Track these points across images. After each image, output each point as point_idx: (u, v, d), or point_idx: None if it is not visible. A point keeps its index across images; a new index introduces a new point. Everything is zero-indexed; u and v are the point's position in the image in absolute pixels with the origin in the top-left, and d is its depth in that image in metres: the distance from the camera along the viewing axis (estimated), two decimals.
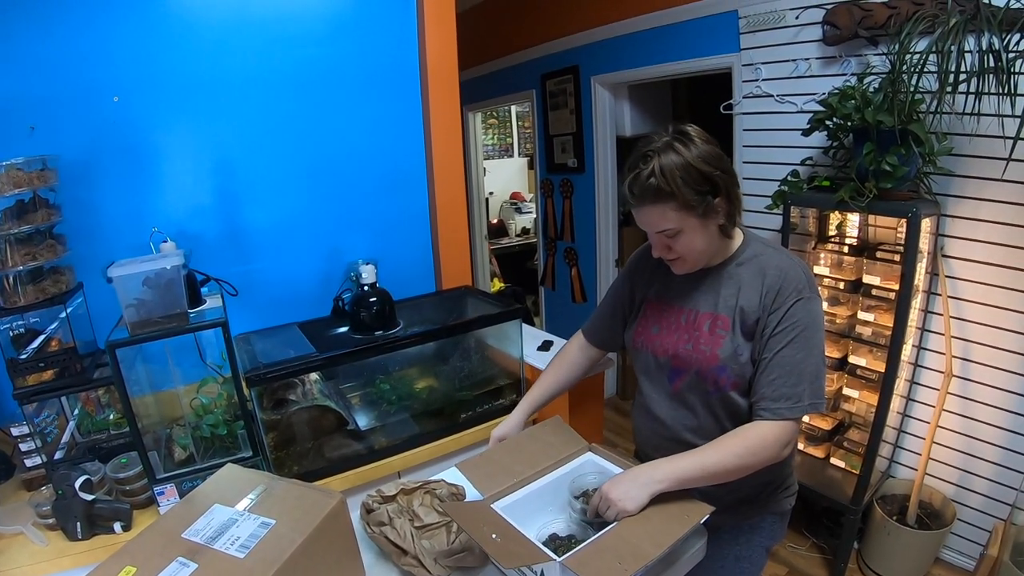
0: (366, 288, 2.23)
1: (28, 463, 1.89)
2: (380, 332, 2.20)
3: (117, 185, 2.15)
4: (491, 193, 6.66)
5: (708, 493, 1.34)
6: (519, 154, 7.56)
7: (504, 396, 2.53)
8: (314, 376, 2.15)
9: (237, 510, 1.26)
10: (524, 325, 2.52)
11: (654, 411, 1.52)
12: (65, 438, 2.01)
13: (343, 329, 2.29)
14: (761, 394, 1.31)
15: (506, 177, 7.19)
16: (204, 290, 2.09)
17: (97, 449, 1.98)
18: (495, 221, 6.65)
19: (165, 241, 2.00)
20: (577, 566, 1.13)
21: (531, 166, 6.70)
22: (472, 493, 1.52)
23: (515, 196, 7.01)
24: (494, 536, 1.21)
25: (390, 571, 1.45)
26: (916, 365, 2.66)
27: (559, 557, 1.16)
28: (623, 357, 4.48)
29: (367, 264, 2.24)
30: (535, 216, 5.38)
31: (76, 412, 2.07)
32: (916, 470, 2.62)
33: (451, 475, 1.68)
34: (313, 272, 2.53)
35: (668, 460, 1.31)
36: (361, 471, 2.12)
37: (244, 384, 1.87)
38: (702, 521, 1.27)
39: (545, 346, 2.73)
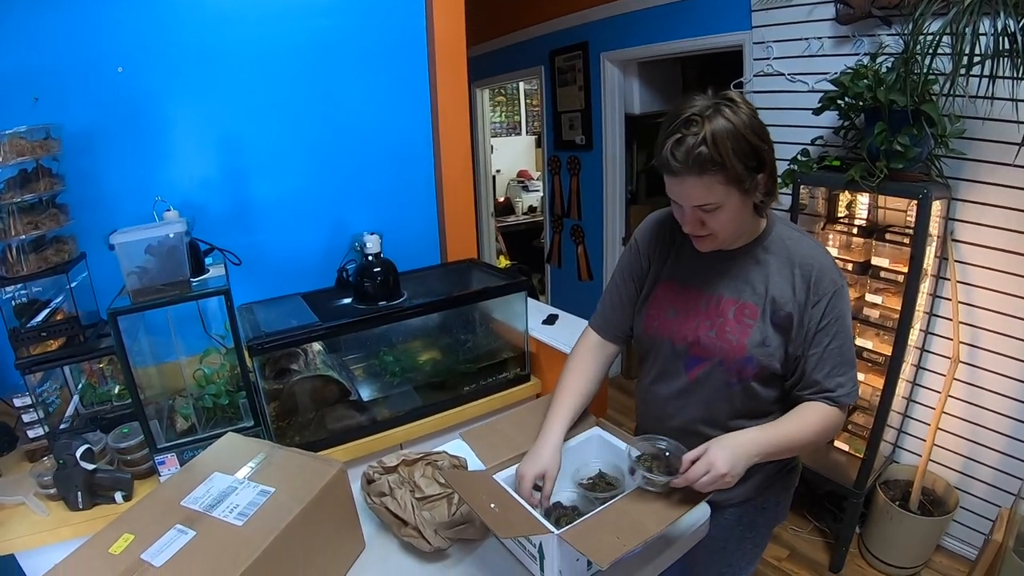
0: (370, 258, 2.19)
1: (31, 434, 1.88)
2: (384, 303, 2.17)
3: (121, 156, 2.11)
4: (498, 171, 6.58)
5: None
6: (527, 132, 7.47)
7: (508, 369, 2.50)
8: (317, 347, 2.13)
9: (236, 478, 1.25)
10: (529, 299, 2.48)
11: (663, 399, 1.45)
12: (69, 411, 2.00)
13: (347, 300, 2.25)
14: (818, 385, 1.27)
15: (513, 155, 7.10)
16: (209, 260, 2.06)
17: (99, 420, 1.96)
18: (502, 199, 6.58)
19: (168, 210, 1.96)
20: (575, 539, 1.10)
21: (539, 144, 6.63)
22: (475, 464, 1.50)
23: (522, 174, 6.93)
24: (492, 506, 1.19)
25: (391, 542, 1.43)
26: (923, 350, 2.63)
27: (557, 530, 1.14)
28: None
29: (372, 234, 2.20)
30: (542, 194, 5.33)
31: (80, 385, 2.05)
32: (920, 456, 2.59)
33: (454, 447, 1.66)
34: (318, 244, 2.49)
35: (756, 431, 1.25)
36: (363, 442, 2.10)
37: (246, 353, 1.84)
38: (706, 498, 1.24)
39: (550, 319, 2.68)
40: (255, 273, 2.33)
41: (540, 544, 1.20)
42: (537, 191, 6.52)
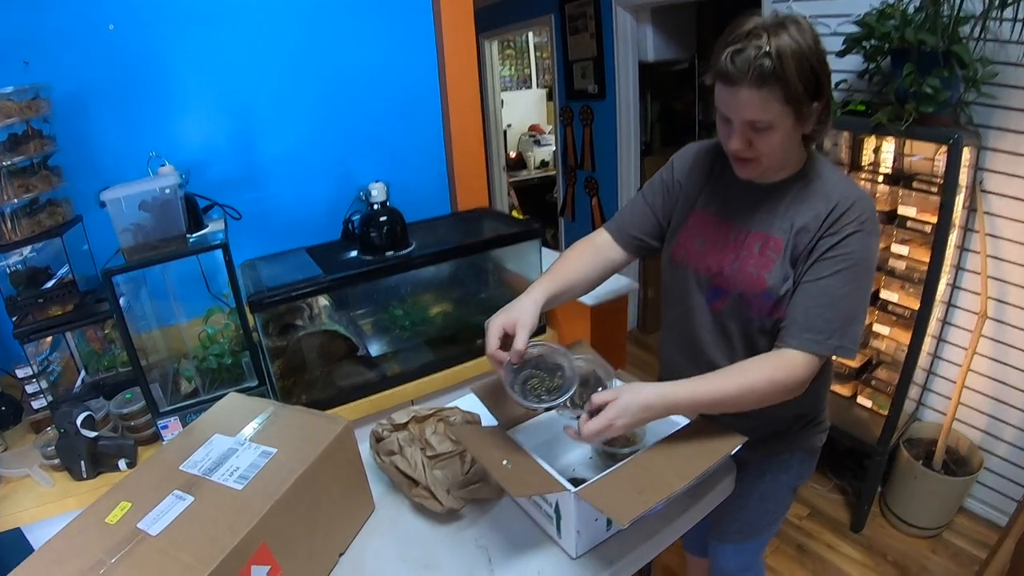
0: (376, 207, 2.08)
1: (35, 405, 1.84)
2: (391, 253, 2.06)
3: (117, 115, 2.01)
4: (509, 126, 6.41)
5: (734, 425, 1.21)
6: (537, 85, 7.27)
7: None
8: (323, 301, 2.04)
9: (238, 439, 1.18)
10: (543, 248, 2.38)
11: (690, 332, 1.37)
12: (79, 382, 1.94)
13: (353, 252, 2.15)
14: (792, 319, 1.16)
15: (524, 109, 6.90)
16: (215, 215, 1.99)
17: (102, 387, 1.91)
18: (513, 154, 6.42)
19: (163, 165, 1.88)
20: (593, 497, 1.02)
21: (550, 97, 6.42)
22: (488, 420, 1.42)
23: (533, 128, 6.74)
24: (505, 462, 1.11)
25: (401, 502, 1.36)
26: (949, 304, 2.51)
27: (574, 489, 1.06)
28: (644, 289, 4.36)
29: (377, 182, 2.09)
30: (554, 148, 5.20)
31: (85, 352, 1.99)
32: (944, 414, 2.50)
33: (466, 403, 1.57)
34: (324, 196, 2.39)
35: (672, 384, 1.15)
36: (372, 399, 2.03)
37: (248, 310, 1.76)
38: (732, 454, 1.15)
39: None
40: (259, 228, 2.25)
41: (556, 503, 1.13)
42: (549, 145, 6.37)
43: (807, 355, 1.14)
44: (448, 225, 2.54)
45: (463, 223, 2.58)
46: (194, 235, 1.79)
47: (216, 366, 1.86)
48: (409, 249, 2.11)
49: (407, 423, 1.46)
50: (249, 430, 1.21)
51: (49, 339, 1.87)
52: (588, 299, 2.20)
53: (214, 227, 1.88)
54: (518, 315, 1.20)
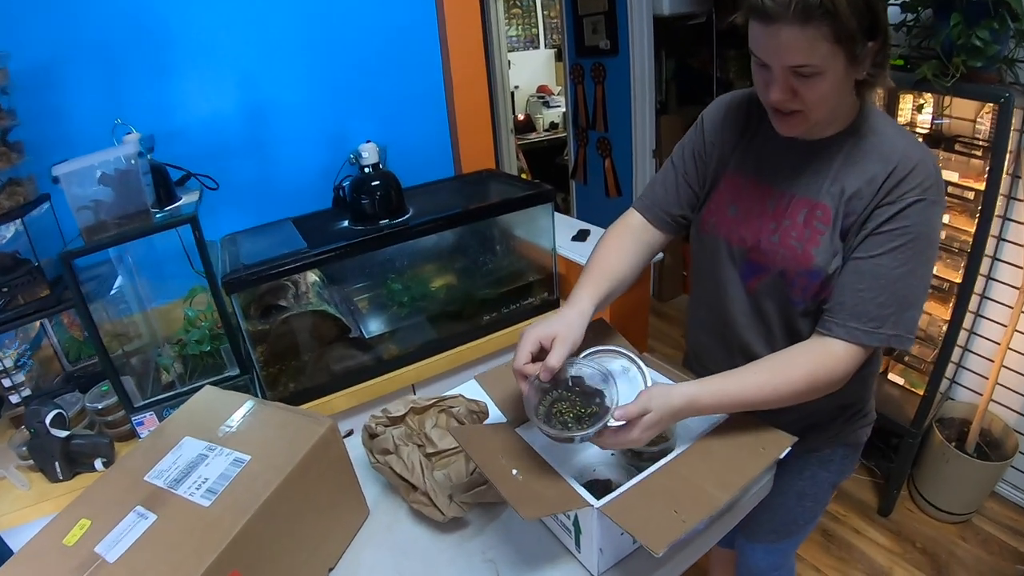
0: (367, 170, 1.89)
1: (13, 400, 1.71)
2: (385, 221, 1.89)
3: (85, 86, 1.83)
4: (516, 87, 6.19)
5: (773, 417, 1.06)
6: (545, 45, 7.02)
7: (534, 294, 2.25)
8: (312, 278, 1.87)
9: (209, 443, 1.04)
10: (556, 213, 2.21)
11: (720, 311, 1.21)
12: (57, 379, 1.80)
13: (345, 222, 1.98)
14: (838, 302, 1.00)
15: (532, 70, 6.68)
16: (193, 186, 1.82)
17: (78, 379, 1.78)
18: (521, 117, 6.21)
19: (130, 132, 1.70)
20: (621, 515, 0.87)
21: (559, 58, 6.27)
22: (495, 414, 1.26)
23: (542, 89, 6.55)
24: (515, 472, 0.95)
25: (399, 505, 1.22)
26: (988, 277, 2.33)
27: (598, 503, 0.91)
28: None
29: (368, 143, 1.90)
30: (564, 109, 5.00)
31: (63, 340, 1.86)
32: (979, 394, 2.34)
33: (471, 388, 1.42)
34: (315, 161, 2.22)
35: (697, 385, 1.01)
36: (368, 385, 1.89)
37: (223, 291, 1.60)
38: (781, 457, 1.00)
39: (581, 235, 2.41)
40: (245, 198, 2.10)
41: (575, 515, 0.98)
42: (558, 107, 6.14)
43: (854, 347, 0.98)
44: (451, 189, 2.37)
45: (467, 186, 2.40)
46: (166, 209, 1.62)
47: (197, 353, 1.71)
48: (406, 216, 1.93)
49: (404, 415, 1.30)
50: (222, 432, 1.06)
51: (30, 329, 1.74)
52: None
53: (188, 199, 1.71)
54: (559, 328, 1.04)
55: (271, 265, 1.66)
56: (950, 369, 2.44)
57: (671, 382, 1.14)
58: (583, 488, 0.95)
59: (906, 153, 0.97)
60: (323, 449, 1.04)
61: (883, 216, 0.96)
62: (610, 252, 1.25)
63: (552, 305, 2.25)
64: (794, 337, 1.11)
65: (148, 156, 1.66)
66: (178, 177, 1.81)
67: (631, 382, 1.14)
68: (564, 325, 1.05)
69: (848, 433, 1.27)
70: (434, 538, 1.14)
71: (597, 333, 1.26)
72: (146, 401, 1.63)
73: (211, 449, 1.02)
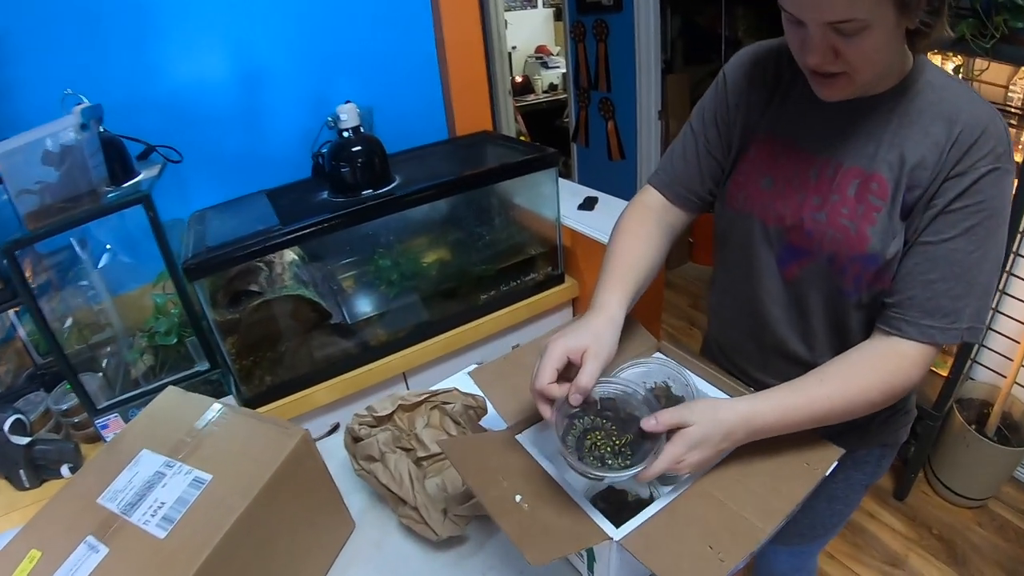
0: (346, 135, 1.74)
1: None
2: (368, 191, 1.74)
3: (33, 54, 1.67)
4: (514, 48, 6.02)
5: None
6: (543, 4, 6.83)
7: (536, 269, 2.12)
8: (290, 257, 1.74)
9: (168, 459, 0.93)
10: (560, 180, 2.07)
11: (752, 302, 1.07)
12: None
13: (325, 194, 1.84)
14: (907, 296, 0.86)
15: (530, 30, 6.47)
16: (158, 159, 1.68)
17: (43, 377, 1.66)
18: (519, 79, 6.06)
19: (81, 103, 1.54)
20: (645, 552, 0.75)
21: (558, 17, 6.07)
22: (492, 418, 1.14)
23: (540, 50, 6.36)
24: (518, 499, 0.82)
25: (388, 517, 1.12)
26: (1016, 254, 2.21)
27: (618, 532, 0.79)
28: None
29: (347, 103, 1.74)
30: (563, 70, 4.93)
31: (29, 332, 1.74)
32: (1000, 374, 2.24)
33: (468, 379, 1.29)
34: (295, 127, 2.06)
35: (756, 399, 0.87)
36: (354, 376, 1.77)
37: (184, 278, 1.48)
38: (828, 473, 0.87)
39: (588, 204, 2.27)
40: (221, 171, 1.95)
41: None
42: (558, 67, 6.02)
43: (928, 347, 0.85)
44: (443, 154, 2.22)
45: (461, 150, 2.25)
46: (123, 187, 1.48)
47: (166, 344, 1.59)
48: (391, 185, 1.79)
49: (392, 413, 1.20)
50: (182, 445, 0.95)
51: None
52: None
53: (148, 174, 1.56)
54: (590, 341, 0.89)
55: (237, 247, 1.52)
56: (972, 348, 2.34)
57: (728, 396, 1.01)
58: (598, 511, 0.83)
59: (972, 113, 0.83)
60: (295, 465, 0.92)
61: (954, 190, 0.83)
62: (632, 241, 1.10)
63: (556, 280, 2.13)
64: (840, 335, 0.98)
65: (101, 129, 1.51)
66: (141, 151, 1.67)
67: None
68: (594, 337, 0.90)
69: (888, 433, 1.15)
70: (427, 556, 1.04)
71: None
72: (109, 402, 1.52)
73: (169, 466, 0.91)
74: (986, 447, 2.13)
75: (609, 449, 0.83)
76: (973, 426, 2.17)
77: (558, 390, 0.86)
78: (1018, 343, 2.13)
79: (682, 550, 0.75)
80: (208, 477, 0.88)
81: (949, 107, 0.83)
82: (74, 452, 1.49)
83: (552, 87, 6.03)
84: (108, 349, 1.66)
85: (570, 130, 4.64)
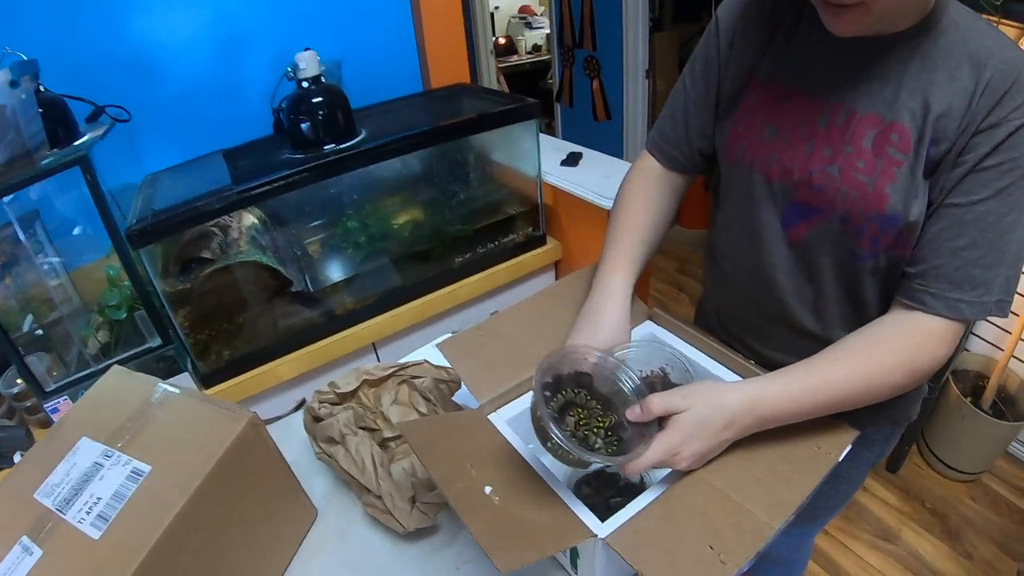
0: (306, 85, 1.63)
1: None
2: (330, 146, 1.64)
3: None
4: (496, 7, 5.94)
5: None
6: None
7: (516, 229, 2.06)
8: (249, 221, 1.64)
9: (106, 448, 0.87)
10: (542, 135, 1.98)
11: (753, 267, 0.99)
12: None
13: (286, 151, 1.73)
14: (932, 265, 0.79)
15: None
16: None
17: None
18: (502, 40, 6.00)
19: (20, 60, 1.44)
20: (635, 551, 0.69)
21: None
22: (463, 394, 1.07)
23: (524, 10, 6.28)
24: (488, 490, 0.75)
25: (354, 504, 1.06)
26: None
27: (603, 527, 0.73)
28: None
29: (306, 51, 1.64)
30: (547, 31, 4.87)
31: None
32: (998, 348, 2.21)
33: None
34: (256, 83, 1.94)
35: (771, 381, 0.81)
36: (320, 347, 1.71)
37: (128, 246, 1.39)
38: (842, 457, 0.82)
39: (572, 159, 2.17)
40: (178, 133, 1.86)
41: None
42: (541, 28, 5.95)
43: (955, 323, 0.79)
44: (417, 107, 2.12)
45: (435, 103, 2.15)
46: (64, 149, 1.39)
47: (118, 319, 1.51)
48: (356, 139, 1.69)
49: (356, 389, 1.13)
50: (123, 432, 0.88)
51: None
52: (604, 201, 1.84)
53: (93, 135, 1.46)
54: (608, 337, 0.92)
55: (184, 210, 1.43)
56: None
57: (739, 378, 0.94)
58: (580, 502, 0.77)
59: (1004, 57, 0.74)
60: (242, 452, 0.85)
61: (986, 146, 0.74)
62: (635, 209, 1.06)
63: (537, 242, 2.06)
64: (854, 305, 0.91)
65: (40, 88, 1.42)
66: (90, 112, 1.58)
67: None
68: (611, 332, 0.91)
69: (900, 409, 1.09)
70: (395, 548, 0.98)
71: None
72: (57, 384, 1.45)
73: (108, 456, 0.84)
74: (981, 420, 2.11)
75: (595, 428, 0.78)
76: (968, 398, 2.15)
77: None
78: (1017, 316, 2.08)
79: (678, 550, 0.69)
80: (147, 468, 0.81)
81: (977, 48, 0.74)
82: (26, 438, 1.43)
83: (536, 48, 5.99)
84: (66, 326, 1.59)
85: (554, 90, 4.59)
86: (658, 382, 0.94)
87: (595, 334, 0.90)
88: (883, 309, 0.87)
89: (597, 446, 0.76)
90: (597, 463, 0.78)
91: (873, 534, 2.11)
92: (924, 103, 0.76)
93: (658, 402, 0.75)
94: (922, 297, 0.79)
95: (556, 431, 0.71)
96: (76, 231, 1.59)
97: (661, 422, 0.76)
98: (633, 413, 0.77)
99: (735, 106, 0.95)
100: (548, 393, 0.79)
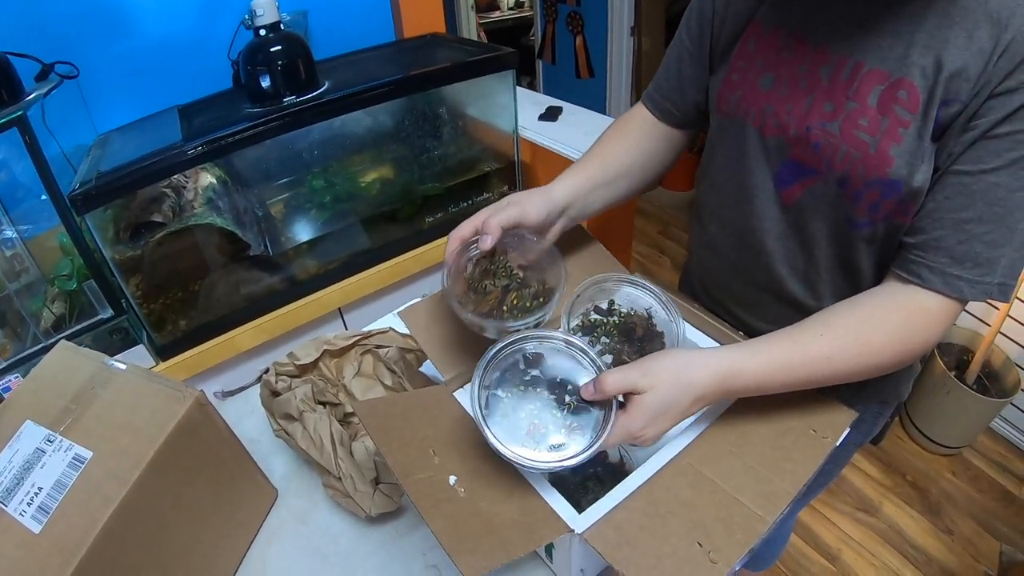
0: (263, 33, 1.55)
1: None
2: (290, 98, 1.57)
3: None
4: None
5: None
6: None
7: (491, 188, 2.01)
8: (206, 180, 1.57)
9: (49, 432, 0.84)
10: (520, 88, 1.92)
11: (742, 231, 0.96)
12: None
13: (245, 105, 1.65)
14: (935, 239, 0.75)
15: None
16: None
17: None
18: None
19: None
20: (616, 549, 0.66)
21: None
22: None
23: None
24: (452, 481, 0.72)
25: (316, 484, 1.04)
26: None
27: (580, 519, 0.71)
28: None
29: None
30: None
31: None
32: (984, 323, 2.23)
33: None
34: (215, 35, 1.83)
35: (748, 353, 0.77)
36: (283, 314, 1.65)
37: (70, 211, 1.33)
38: (840, 441, 0.79)
39: (551, 114, 2.12)
40: (133, 90, 1.76)
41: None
42: None
43: (952, 302, 0.75)
44: (384, 57, 2.04)
45: (405, 54, 2.07)
46: (6, 110, 1.31)
47: (68, 289, 1.46)
48: (318, 91, 1.62)
49: (317, 360, 1.11)
50: (66, 414, 0.84)
51: None
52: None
53: (37, 95, 1.38)
54: (515, 198, 0.88)
55: (130, 171, 1.36)
56: None
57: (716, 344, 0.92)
58: (555, 490, 0.75)
59: None
60: (188, 435, 0.82)
61: (1000, 111, 0.69)
62: (606, 139, 1.05)
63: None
64: (848, 275, 0.88)
65: None
66: (38, 71, 1.49)
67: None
68: (520, 197, 0.89)
69: (889, 388, 1.07)
70: (359, 532, 0.97)
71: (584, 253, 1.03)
72: (8, 362, 1.39)
73: (50, 441, 0.81)
74: (965, 395, 2.13)
75: (553, 426, 0.73)
76: (953, 372, 2.18)
77: (463, 233, 0.84)
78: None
79: (663, 548, 0.66)
80: (88, 455, 0.78)
81: (998, 8, 0.69)
82: None
83: (518, 3, 5.90)
84: (16, 302, 1.53)
85: (536, 47, 4.53)
86: (639, 324, 0.91)
87: (501, 215, 0.84)
88: (877, 282, 0.84)
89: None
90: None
91: (854, 506, 2.14)
92: (936, 61, 0.71)
93: (611, 380, 0.71)
94: (919, 270, 0.75)
95: (510, 450, 0.70)
96: (42, 198, 1.53)
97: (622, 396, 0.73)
98: (586, 391, 0.73)
99: (730, 53, 0.91)
100: (500, 393, 0.76)
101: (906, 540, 2.02)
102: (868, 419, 1.10)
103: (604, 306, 0.96)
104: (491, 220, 0.81)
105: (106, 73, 1.68)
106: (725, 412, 0.82)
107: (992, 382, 2.22)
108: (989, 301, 2.15)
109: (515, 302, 0.82)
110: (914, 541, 2.02)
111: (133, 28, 1.72)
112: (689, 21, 0.97)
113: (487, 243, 0.80)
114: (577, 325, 0.93)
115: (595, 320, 0.93)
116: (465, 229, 0.83)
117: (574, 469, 0.74)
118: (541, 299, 0.83)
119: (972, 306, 2.28)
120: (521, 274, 0.85)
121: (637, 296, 0.95)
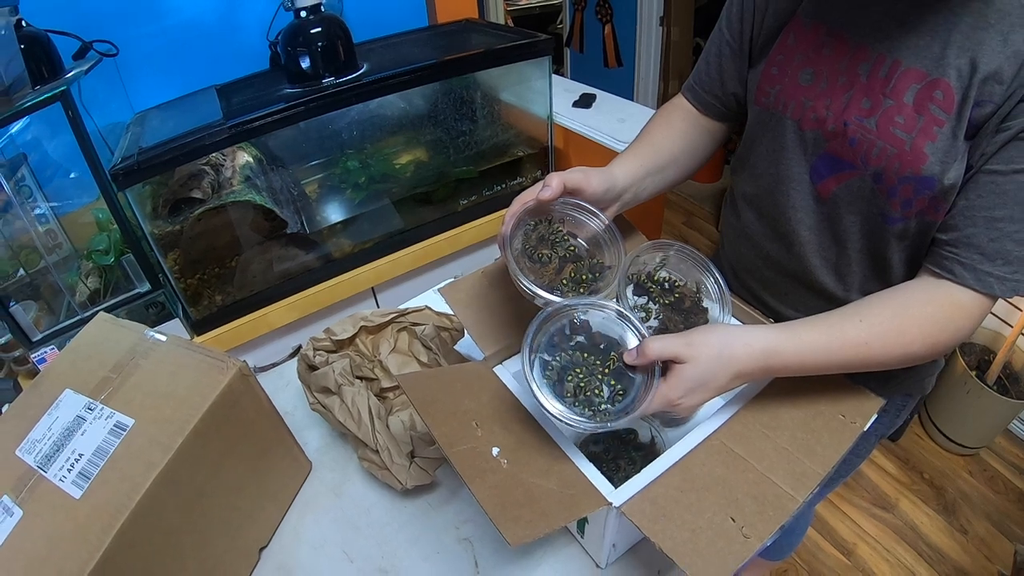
0: (304, 15, 1.53)
1: None
2: (329, 79, 1.56)
3: None
4: None
5: None
6: None
7: (524, 172, 1.98)
8: (243, 159, 1.55)
9: (90, 400, 0.82)
10: (555, 76, 1.90)
11: (777, 220, 0.95)
12: None
13: (283, 86, 1.63)
14: (968, 236, 0.74)
15: None
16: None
17: None
18: None
19: None
20: (652, 523, 0.65)
21: None
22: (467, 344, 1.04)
23: None
24: (495, 452, 0.72)
25: (350, 457, 1.03)
26: None
27: (617, 494, 0.69)
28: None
29: None
30: None
31: None
32: (1007, 323, 2.17)
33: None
34: (252, 15, 1.84)
35: (787, 334, 0.76)
36: (316, 292, 1.64)
37: (111, 186, 1.32)
38: (868, 427, 0.78)
39: (584, 101, 2.09)
40: (172, 69, 1.76)
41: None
42: None
43: (985, 299, 0.74)
44: (421, 41, 2.01)
45: (441, 38, 2.04)
46: (46, 86, 1.30)
47: (108, 264, 1.45)
48: (357, 72, 1.60)
49: (353, 337, 1.09)
50: (106, 383, 0.83)
51: None
52: (618, 144, 1.77)
53: (78, 71, 1.38)
54: (580, 168, 0.85)
55: (171, 147, 1.35)
56: None
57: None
58: (592, 465, 0.73)
59: None
60: (230, 405, 0.81)
61: None
62: (654, 128, 1.03)
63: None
64: (878, 269, 0.86)
65: (22, 23, 1.34)
66: (77, 49, 1.50)
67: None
68: (584, 170, 0.85)
69: (914, 381, 1.05)
70: (392, 505, 0.95)
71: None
72: (44, 334, 1.39)
73: (91, 409, 0.80)
74: (986, 395, 2.09)
75: (597, 390, 0.73)
76: (974, 372, 2.13)
77: (527, 195, 0.81)
78: None
79: (697, 522, 0.65)
80: (130, 422, 0.77)
81: None
82: (12, 390, 1.38)
83: None
84: (52, 276, 1.53)
85: (564, 35, 4.44)
86: (688, 297, 0.88)
87: (566, 177, 0.83)
88: (907, 276, 0.83)
89: (603, 408, 0.72)
90: (606, 429, 0.74)
91: (871, 502, 2.11)
92: (972, 63, 0.70)
93: (655, 346, 0.71)
94: (952, 266, 0.74)
95: (557, 408, 0.69)
96: (72, 176, 1.53)
97: (663, 363, 0.72)
98: (629, 355, 0.73)
99: (770, 47, 0.89)
100: (547, 356, 0.75)
101: (921, 537, 1.99)
102: (891, 411, 1.08)
103: (659, 273, 0.93)
104: (554, 175, 0.79)
105: (142, 52, 1.68)
106: (757, 395, 0.81)
107: (1013, 383, 2.17)
108: (1011, 301, 2.13)
109: (572, 275, 0.81)
110: (929, 539, 1.98)
111: (169, 8, 1.72)
112: (730, 14, 0.95)
113: (547, 193, 0.78)
114: (631, 285, 0.90)
115: (649, 285, 0.91)
116: (527, 195, 0.81)
117: (607, 447, 0.74)
118: (597, 274, 0.82)
119: (996, 306, 2.22)
120: (575, 248, 0.84)
121: (689, 267, 0.93)
